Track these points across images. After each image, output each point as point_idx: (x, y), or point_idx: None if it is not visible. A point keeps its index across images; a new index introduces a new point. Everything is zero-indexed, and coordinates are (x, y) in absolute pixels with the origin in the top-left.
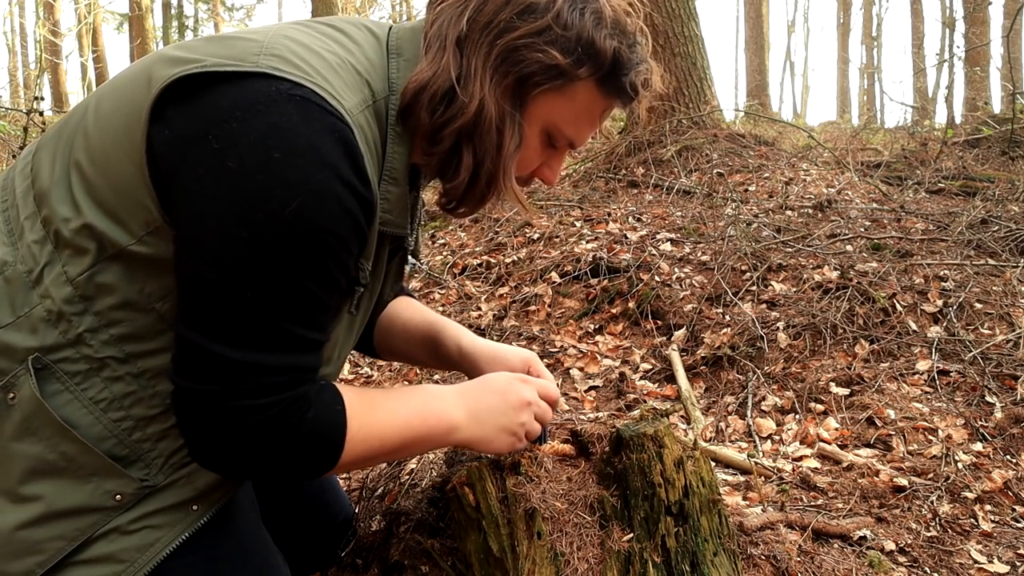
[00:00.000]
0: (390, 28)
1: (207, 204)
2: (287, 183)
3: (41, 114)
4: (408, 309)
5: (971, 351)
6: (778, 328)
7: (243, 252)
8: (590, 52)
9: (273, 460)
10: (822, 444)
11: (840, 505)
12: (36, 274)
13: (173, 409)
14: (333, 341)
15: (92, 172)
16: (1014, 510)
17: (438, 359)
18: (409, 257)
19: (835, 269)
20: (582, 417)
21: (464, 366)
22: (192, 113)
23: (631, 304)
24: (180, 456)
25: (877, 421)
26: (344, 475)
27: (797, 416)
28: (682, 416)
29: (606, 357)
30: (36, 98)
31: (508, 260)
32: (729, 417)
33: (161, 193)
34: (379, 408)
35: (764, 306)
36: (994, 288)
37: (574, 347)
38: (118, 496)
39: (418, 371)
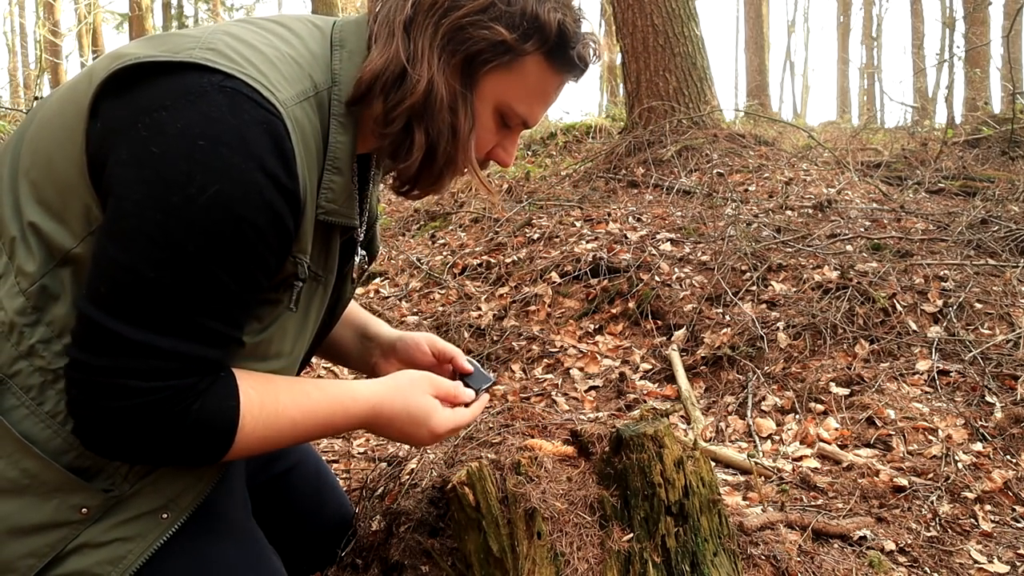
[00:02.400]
0: (335, 22)
1: (127, 188)
2: (208, 170)
3: None
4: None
5: (971, 351)
6: (778, 328)
7: (154, 234)
8: (535, 26)
9: (152, 446)
10: (822, 444)
11: (840, 505)
12: None
13: (64, 381)
14: (282, 334)
15: (37, 176)
16: (1014, 510)
17: (364, 341)
18: (359, 249)
19: (835, 269)
20: (582, 417)
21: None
22: (124, 104)
23: (631, 304)
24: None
25: (877, 421)
26: (344, 475)
27: (797, 416)
28: (682, 416)
29: (606, 357)
30: (36, 98)
31: (508, 260)
32: (729, 417)
33: (100, 190)
34: (284, 399)
35: (764, 306)
36: (994, 288)
37: (574, 347)
38: (84, 509)
39: None
